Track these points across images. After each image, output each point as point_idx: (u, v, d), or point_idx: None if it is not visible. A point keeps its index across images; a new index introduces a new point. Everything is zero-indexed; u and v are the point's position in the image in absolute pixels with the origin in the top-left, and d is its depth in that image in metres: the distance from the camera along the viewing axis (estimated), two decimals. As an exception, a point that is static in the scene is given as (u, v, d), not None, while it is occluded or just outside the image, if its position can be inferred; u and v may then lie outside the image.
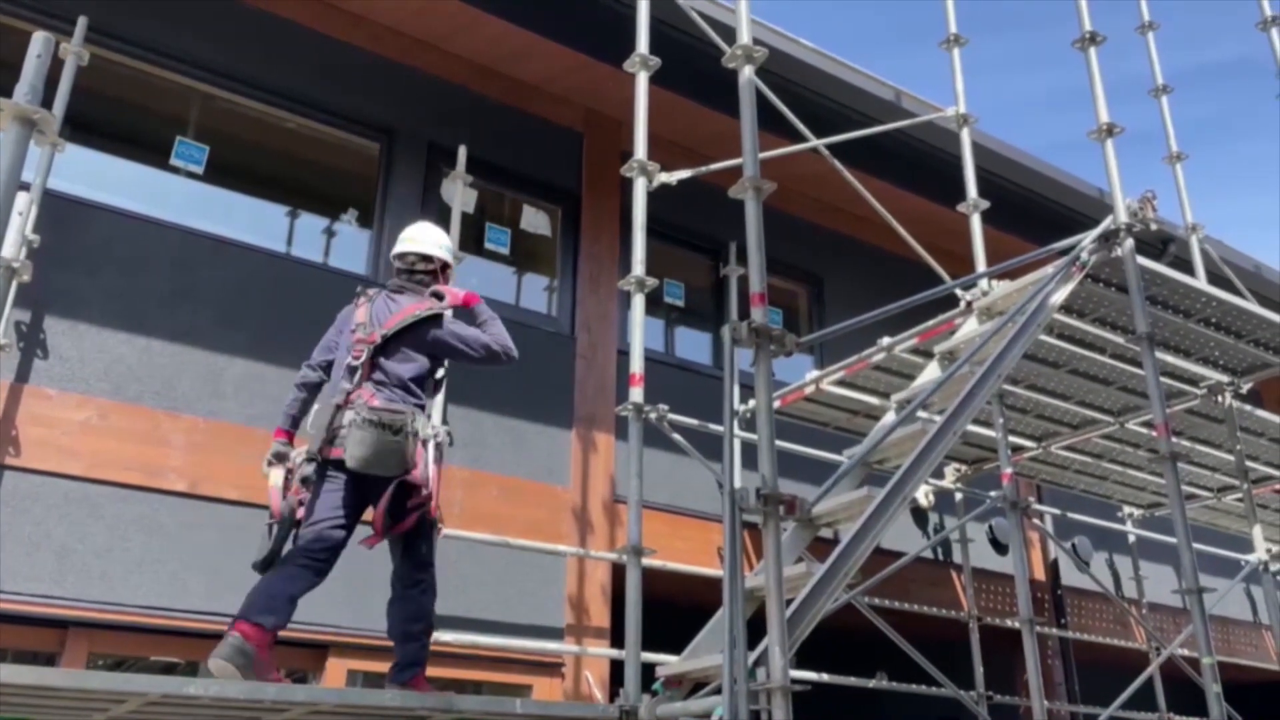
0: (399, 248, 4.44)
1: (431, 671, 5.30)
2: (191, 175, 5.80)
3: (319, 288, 5.88)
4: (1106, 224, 5.00)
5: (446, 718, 3.73)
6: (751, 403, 6.39)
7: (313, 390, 4.17)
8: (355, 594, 5.31)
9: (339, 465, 3.84)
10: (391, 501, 3.87)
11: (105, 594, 4.73)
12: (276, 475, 3.91)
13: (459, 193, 6.13)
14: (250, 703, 3.16)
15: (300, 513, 3.85)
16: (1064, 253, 5.09)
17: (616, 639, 5.77)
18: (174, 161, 5.74)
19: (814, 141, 5.35)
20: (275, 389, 5.49)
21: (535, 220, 6.95)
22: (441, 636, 5.29)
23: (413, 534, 4.00)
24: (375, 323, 4.12)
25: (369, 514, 3.99)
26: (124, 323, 5.17)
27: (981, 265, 5.68)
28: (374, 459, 3.75)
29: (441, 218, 6.36)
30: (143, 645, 4.92)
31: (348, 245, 6.43)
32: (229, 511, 5.14)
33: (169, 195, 5.77)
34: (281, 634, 5.10)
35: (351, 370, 3.97)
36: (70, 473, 4.80)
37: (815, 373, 6.40)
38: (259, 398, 5.44)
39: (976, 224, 5.83)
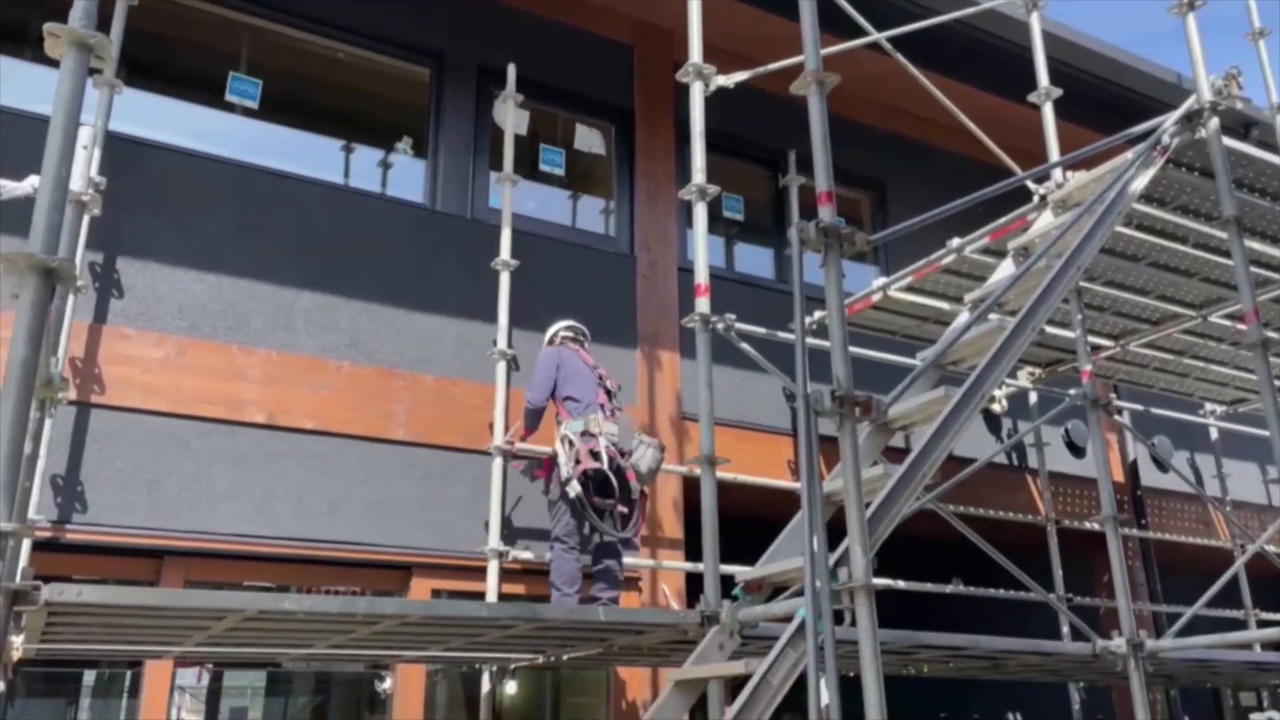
0: (570, 321, 5.67)
1: (510, 588, 5.45)
2: (247, 111, 5.81)
3: (380, 218, 5.90)
4: (1190, 103, 4.76)
5: (531, 627, 3.80)
6: (818, 314, 6.30)
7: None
8: (436, 519, 5.44)
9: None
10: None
11: (196, 523, 4.88)
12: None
13: (510, 114, 6.06)
14: (343, 616, 3.25)
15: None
16: (1143, 138, 4.87)
17: (690, 553, 5.82)
18: (229, 98, 5.75)
19: (875, 35, 5.15)
20: (345, 319, 5.56)
21: (589, 139, 6.85)
22: (520, 554, 5.41)
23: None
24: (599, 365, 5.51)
25: None
26: (193, 260, 5.25)
27: (1055, 157, 5.45)
28: (651, 477, 5.20)
29: (495, 141, 6.32)
30: (235, 571, 5.09)
31: (404, 175, 6.41)
32: (308, 441, 5.26)
33: (225, 133, 5.80)
34: (370, 557, 5.28)
35: (608, 396, 5.35)
36: (154, 409, 4.94)
37: (882, 280, 6.26)
38: (329, 329, 5.51)
39: (1049, 113, 5.58)
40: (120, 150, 5.10)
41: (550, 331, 5.66)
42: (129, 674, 6.91)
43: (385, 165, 6.51)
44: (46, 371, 2.89)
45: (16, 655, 3.43)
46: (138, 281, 5.09)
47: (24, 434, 2.34)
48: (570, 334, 5.65)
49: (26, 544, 4.31)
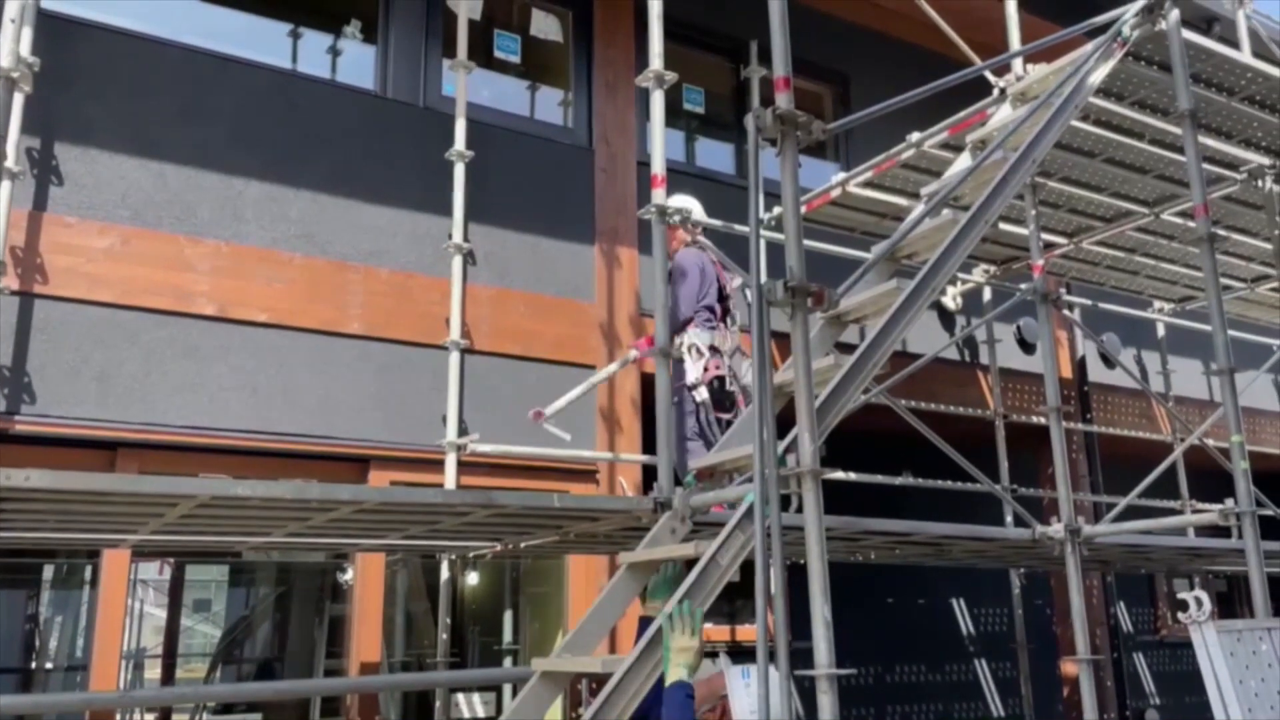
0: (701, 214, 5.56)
1: (469, 480, 5.50)
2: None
3: (329, 105, 5.73)
4: (1151, -6, 4.70)
5: (487, 513, 3.85)
6: (776, 209, 6.27)
7: None
8: (393, 412, 5.45)
9: None
10: None
11: (148, 415, 4.85)
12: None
13: (465, -3, 5.86)
14: (298, 503, 3.27)
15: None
16: (1105, 29, 4.82)
17: (648, 447, 5.90)
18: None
19: (838, -81, 5.00)
20: (295, 210, 5.45)
21: (545, 25, 6.65)
22: (478, 447, 5.45)
23: None
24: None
25: None
26: (135, 147, 5.08)
27: (1017, 48, 5.40)
28: None
29: (448, 26, 6.11)
30: (190, 463, 5.07)
31: (354, 61, 6.20)
32: (260, 334, 5.21)
33: (167, 15, 5.55)
34: (327, 449, 5.29)
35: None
36: (101, 300, 4.84)
37: (842, 175, 6.23)
38: (279, 220, 5.40)
39: (1012, 4, 5.50)
40: (55, 30, 4.87)
41: (688, 213, 5.39)
42: (89, 566, 6.95)
43: (334, 51, 6.29)
44: (-19, 254, 2.80)
45: (-31, 543, 3.44)
46: (77, 168, 4.93)
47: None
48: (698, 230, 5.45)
49: (-26, 435, 4.28)
